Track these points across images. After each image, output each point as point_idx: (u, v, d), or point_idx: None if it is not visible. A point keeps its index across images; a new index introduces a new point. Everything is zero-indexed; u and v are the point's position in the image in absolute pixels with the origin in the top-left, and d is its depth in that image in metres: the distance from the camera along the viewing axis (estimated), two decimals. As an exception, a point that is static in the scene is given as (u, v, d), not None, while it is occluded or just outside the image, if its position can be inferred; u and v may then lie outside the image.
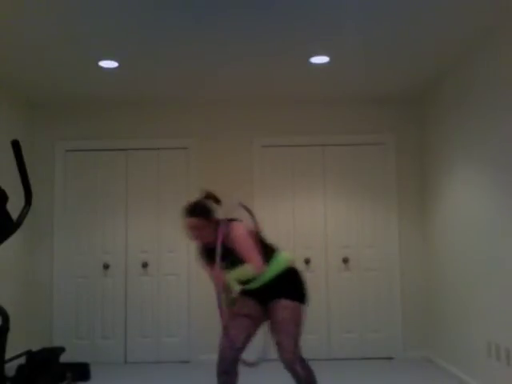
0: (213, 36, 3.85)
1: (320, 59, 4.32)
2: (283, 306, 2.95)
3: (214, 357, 5.17)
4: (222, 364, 2.96)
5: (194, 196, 5.40)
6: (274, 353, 3.08)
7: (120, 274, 5.38)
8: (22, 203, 3.58)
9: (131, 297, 5.35)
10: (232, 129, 5.52)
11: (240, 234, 2.96)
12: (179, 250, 5.39)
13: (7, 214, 3.48)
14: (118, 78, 4.74)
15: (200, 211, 3.01)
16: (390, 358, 5.25)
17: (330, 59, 4.34)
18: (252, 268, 2.91)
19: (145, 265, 5.36)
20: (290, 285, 3.05)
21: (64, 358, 4.64)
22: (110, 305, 5.35)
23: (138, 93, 5.18)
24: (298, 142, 5.48)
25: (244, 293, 3.13)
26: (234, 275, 3.01)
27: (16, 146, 3.44)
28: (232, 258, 2.98)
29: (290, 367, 2.94)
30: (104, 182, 5.47)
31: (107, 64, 4.37)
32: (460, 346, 4.45)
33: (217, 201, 3.09)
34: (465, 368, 4.34)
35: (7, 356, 3.72)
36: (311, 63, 4.41)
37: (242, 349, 3.02)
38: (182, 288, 5.36)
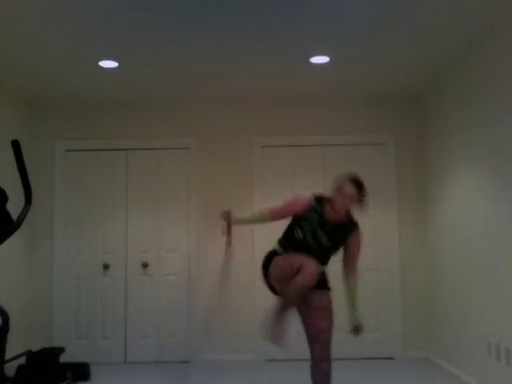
0: (213, 36, 3.85)
1: (320, 59, 4.32)
2: (329, 297, 3.22)
3: (214, 357, 5.21)
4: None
5: (193, 196, 5.42)
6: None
7: (120, 274, 5.38)
8: (22, 203, 3.58)
9: (131, 297, 5.35)
10: (232, 129, 5.52)
11: (362, 240, 3.25)
12: (179, 250, 5.39)
13: (7, 214, 3.48)
14: (117, 78, 4.74)
15: (362, 190, 3.12)
16: (390, 358, 5.25)
17: (330, 59, 4.34)
18: (353, 279, 3.26)
19: (145, 265, 5.36)
20: (328, 281, 3.28)
21: (64, 358, 4.63)
22: (110, 305, 5.35)
23: (138, 93, 5.18)
24: (298, 142, 5.48)
25: None
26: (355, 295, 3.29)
27: (16, 145, 3.44)
28: (334, 245, 3.19)
29: (327, 347, 3.12)
30: (104, 181, 5.47)
31: (107, 64, 4.37)
32: (460, 346, 4.45)
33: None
34: (465, 368, 4.34)
35: (7, 356, 3.72)
36: (311, 63, 4.41)
37: None
38: (182, 288, 5.36)
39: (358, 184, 3.10)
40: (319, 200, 3.21)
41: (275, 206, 3.31)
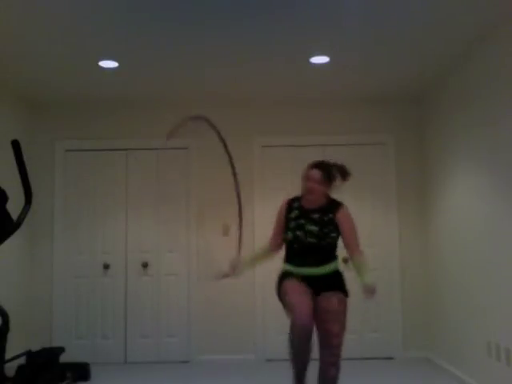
0: (213, 36, 3.85)
1: (320, 59, 4.32)
2: (339, 298, 3.14)
3: (214, 357, 5.21)
4: (309, 331, 2.91)
5: (195, 195, 5.42)
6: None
7: (120, 274, 5.38)
8: (22, 203, 3.58)
9: (131, 297, 5.35)
10: (232, 129, 5.50)
11: (351, 215, 3.21)
12: (179, 250, 5.39)
13: (7, 214, 3.48)
14: (117, 78, 4.74)
15: (327, 169, 3.22)
16: (390, 358, 5.25)
17: (330, 59, 4.33)
18: (357, 256, 3.16)
19: (145, 265, 5.36)
20: (344, 282, 3.26)
21: (64, 358, 4.63)
22: (110, 305, 5.35)
23: (138, 93, 5.18)
24: (298, 142, 5.47)
25: (301, 279, 3.17)
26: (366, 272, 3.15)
27: (16, 145, 3.45)
28: (327, 231, 3.15)
29: (337, 352, 3.07)
30: (104, 182, 5.47)
31: (107, 64, 4.37)
32: (460, 346, 4.45)
33: (344, 176, 3.27)
34: (465, 368, 4.34)
35: (7, 356, 3.72)
36: (311, 63, 4.41)
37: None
38: (182, 288, 5.35)
39: (321, 166, 3.22)
40: (295, 198, 3.34)
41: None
